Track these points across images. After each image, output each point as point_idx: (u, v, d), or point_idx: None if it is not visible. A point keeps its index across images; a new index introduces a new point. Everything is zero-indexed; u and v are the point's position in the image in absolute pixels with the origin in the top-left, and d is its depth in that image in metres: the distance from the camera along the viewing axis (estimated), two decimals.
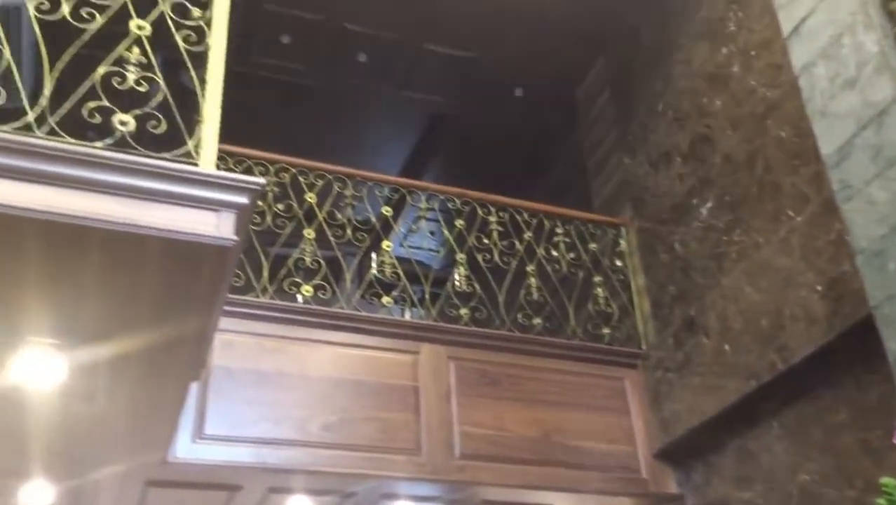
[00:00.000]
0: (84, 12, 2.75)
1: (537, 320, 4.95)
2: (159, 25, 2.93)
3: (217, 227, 2.57)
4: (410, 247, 5.25)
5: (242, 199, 2.62)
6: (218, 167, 2.79)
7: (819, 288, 3.87)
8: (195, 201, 2.57)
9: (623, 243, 5.45)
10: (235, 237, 2.59)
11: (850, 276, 3.62)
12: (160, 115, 2.70)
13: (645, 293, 5.26)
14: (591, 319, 5.15)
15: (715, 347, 4.55)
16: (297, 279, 4.42)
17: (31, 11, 2.68)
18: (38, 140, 2.43)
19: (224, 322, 3.74)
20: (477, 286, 4.90)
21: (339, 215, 4.76)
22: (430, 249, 5.91)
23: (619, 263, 5.39)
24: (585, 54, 6.17)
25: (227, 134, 2.91)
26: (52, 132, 2.54)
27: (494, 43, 6.04)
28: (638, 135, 5.61)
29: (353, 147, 6.76)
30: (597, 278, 5.29)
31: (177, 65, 2.95)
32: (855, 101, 3.52)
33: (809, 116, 3.87)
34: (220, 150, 2.89)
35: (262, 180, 2.65)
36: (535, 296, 5.04)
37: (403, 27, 5.90)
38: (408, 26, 5.89)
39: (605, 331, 5.13)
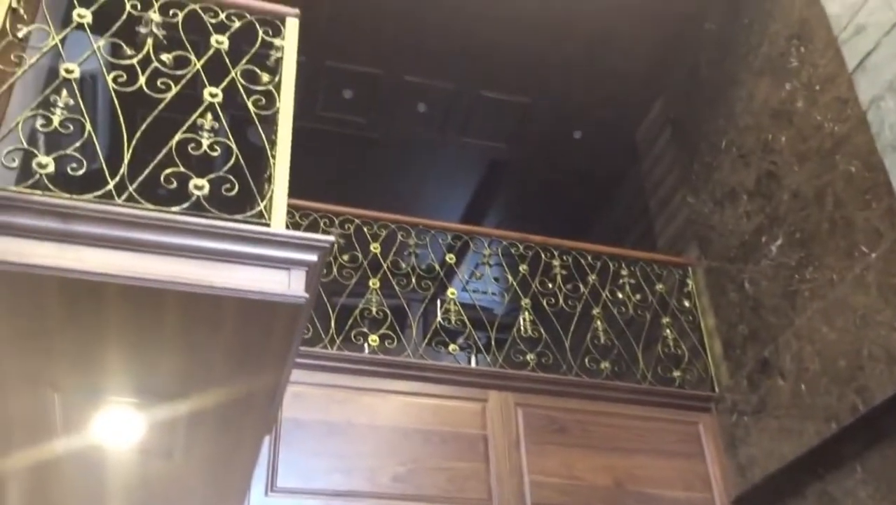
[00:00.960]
0: (160, 82, 2.87)
1: (605, 364, 4.89)
2: (229, 87, 3.04)
3: (288, 285, 2.63)
4: (475, 291, 5.25)
5: (312, 257, 2.67)
6: (286, 223, 2.86)
7: None
8: (267, 261, 2.64)
9: (690, 283, 5.36)
10: (306, 294, 2.64)
11: None
12: (232, 178, 2.78)
13: (716, 334, 5.15)
14: (661, 362, 5.06)
15: (791, 389, 4.42)
16: (363, 329, 4.47)
17: (110, 84, 2.80)
18: (120, 208, 2.53)
19: (293, 374, 3.79)
20: (542, 331, 4.87)
21: (403, 264, 4.81)
22: (494, 294, 5.92)
23: (687, 304, 5.30)
24: (644, 94, 6.16)
25: (291, 187, 2.97)
26: (130, 198, 2.64)
27: (550, 87, 6.08)
28: (701, 173, 5.55)
29: (415, 195, 6.85)
30: (665, 320, 5.21)
31: (244, 122, 3.05)
32: None
33: (880, 151, 3.80)
34: (287, 205, 2.96)
35: (331, 238, 2.71)
36: (602, 339, 4.98)
37: (460, 76, 5.99)
38: (464, 75, 5.98)
39: (676, 374, 5.03)
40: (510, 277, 5.10)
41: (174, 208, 2.64)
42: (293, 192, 2.95)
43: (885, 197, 3.83)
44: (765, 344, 4.66)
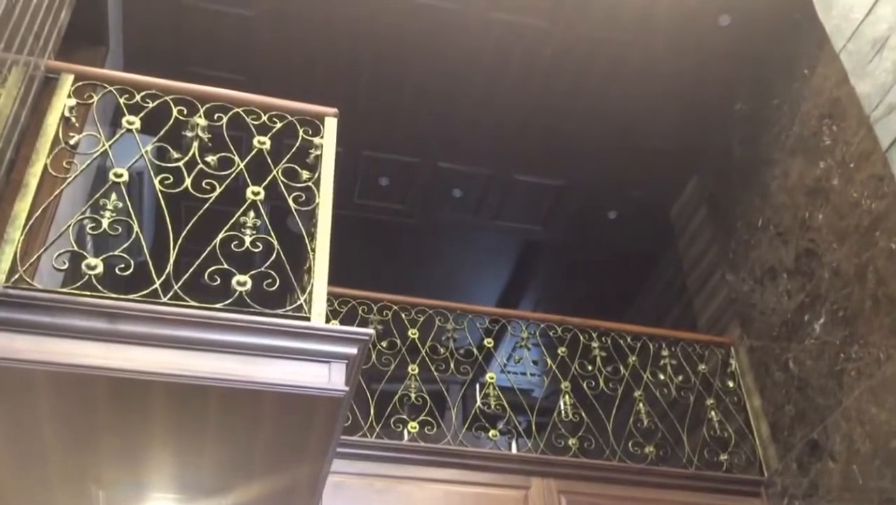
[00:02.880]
0: (204, 183, 2.98)
1: (649, 449, 4.79)
2: (268, 171, 3.13)
3: (328, 378, 2.66)
4: (512, 372, 5.23)
5: (352, 350, 2.71)
6: (326, 314, 2.90)
7: None
8: (308, 354, 2.68)
9: (734, 363, 5.28)
10: (346, 388, 2.67)
11: None
12: (273, 274, 2.85)
13: (762, 415, 5.04)
14: (707, 445, 4.94)
15: (843, 472, 4.28)
16: (402, 416, 4.46)
17: (157, 186, 2.92)
18: (165, 307, 2.60)
19: (333, 464, 3.78)
20: (584, 414, 4.81)
21: (441, 349, 4.82)
22: (534, 374, 5.88)
23: (731, 385, 5.20)
24: (677, 173, 6.20)
25: (330, 274, 3.02)
26: (175, 296, 2.71)
27: (584, 169, 6.16)
28: (739, 251, 5.52)
29: (452, 279, 6.91)
30: (709, 401, 5.11)
31: (284, 210, 3.13)
32: None
33: None
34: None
35: (370, 331, 2.74)
36: (645, 423, 4.90)
37: (494, 161, 6.10)
38: (498, 160, 6.09)
39: (723, 457, 4.91)
40: (549, 360, 5.08)
41: (217, 305, 2.71)
42: (331, 279, 3.00)
43: None
44: (813, 425, 4.54)
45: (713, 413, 5.06)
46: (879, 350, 4.12)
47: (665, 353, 5.23)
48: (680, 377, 5.16)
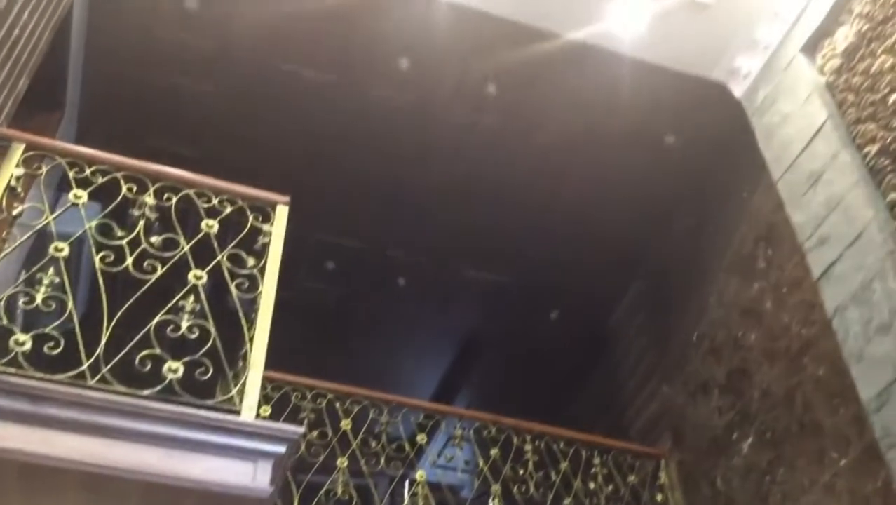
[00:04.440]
0: (146, 263, 2.93)
1: None
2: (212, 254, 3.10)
3: (253, 477, 2.58)
4: (443, 467, 5.15)
5: (280, 449, 2.64)
6: (259, 402, 2.84)
7: None
8: (234, 451, 2.60)
9: (663, 476, 5.29)
10: (271, 487, 2.59)
11: None
12: (207, 362, 2.79)
13: None
14: None
15: None
16: None
17: (97, 264, 2.86)
18: (92, 392, 2.52)
19: None
20: None
21: (373, 442, 4.73)
22: (465, 471, 5.80)
23: (659, 498, 5.20)
24: (620, 280, 6.33)
25: (266, 357, 2.97)
26: (103, 379, 2.63)
27: (529, 267, 6.25)
28: (674, 363, 5.61)
29: (390, 369, 6.85)
30: None
31: (225, 288, 3.09)
32: (890, 347, 3.53)
33: (845, 358, 3.88)
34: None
35: (300, 429, 2.69)
36: None
37: (441, 253, 6.16)
38: (446, 252, 6.15)
39: None
40: (480, 461, 5.02)
41: (145, 392, 2.63)
42: (267, 362, 2.94)
43: (852, 404, 3.87)
44: None
45: None
46: (804, 476, 4.19)
47: (597, 461, 5.22)
48: (610, 487, 5.14)
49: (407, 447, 4.86)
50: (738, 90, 5.01)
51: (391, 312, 6.56)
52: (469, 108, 5.28)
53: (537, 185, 5.71)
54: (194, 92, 5.10)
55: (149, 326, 2.80)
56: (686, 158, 5.55)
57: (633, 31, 4.78)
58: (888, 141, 3.83)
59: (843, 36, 4.28)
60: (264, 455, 2.61)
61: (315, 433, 4.59)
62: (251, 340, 2.95)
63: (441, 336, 6.89)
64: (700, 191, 5.66)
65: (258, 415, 2.88)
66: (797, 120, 4.45)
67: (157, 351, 2.74)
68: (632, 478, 5.22)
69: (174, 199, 3.16)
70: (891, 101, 3.86)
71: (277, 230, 3.26)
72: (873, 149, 3.92)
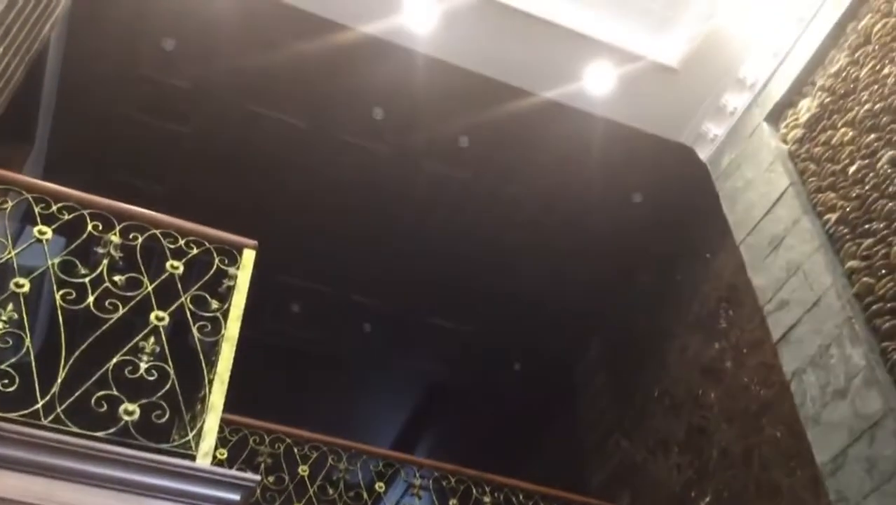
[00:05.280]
0: (107, 302, 2.90)
1: None
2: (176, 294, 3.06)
3: None
4: None
5: (235, 497, 2.60)
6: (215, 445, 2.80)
7: None
8: (188, 497, 2.55)
9: None
10: None
11: None
12: (164, 404, 2.75)
13: None
14: None
15: None
16: None
17: (58, 301, 2.83)
18: (44, 432, 2.47)
19: None
20: None
21: (330, 489, 4.67)
22: None
23: None
24: (583, 334, 6.38)
25: (228, 399, 2.93)
26: (57, 419, 2.58)
27: (495, 319, 6.27)
28: (635, 418, 5.64)
29: (352, 415, 6.81)
30: None
31: (185, 327, 3.05)
32: (846, 412, 3.59)
33: (802, 421, 3.93)
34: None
35: (256, 478, 2.65)
36: None
37: (408, 301, 6.17)
38: (412, 300, 6.16)
39: None
40: None
41: (99, 434, 2.59)
42: (226, 404, 2.90)
43: (809, 466, 3.92)
44: None
45: None
46: None
47: None
48: None
49: (365, 495, 4.80)
50: (704, 153, 5.13)
51: (355, 358, 6.53)
52: (441, 160, 5.35)
53: (505, 239, 5.76)
54: (167, 130, 5.11)
55: (107, 366, 2.76)
56: (652, 217, 5.65)
57: (604, 92, 4.89)
58: (847, 210, 3.94)
59: (806, 107, 4.42)
60: (219, 502, 2.57)
61: (272, 479, 4.52)
62: (210, 382, 2.91)
63: (404, 383, 6.87)
64: (665, 249, 5.75)
65: (214, 459, 2.84)
66: (760, 186, 4.56)
67: (114, 392, 2.70)
68: None
69: (140, 239, 3.14)
70: (850, 171, 3.98)
71: (243, 274, 3.23)
72: (833, 217, 4.03)
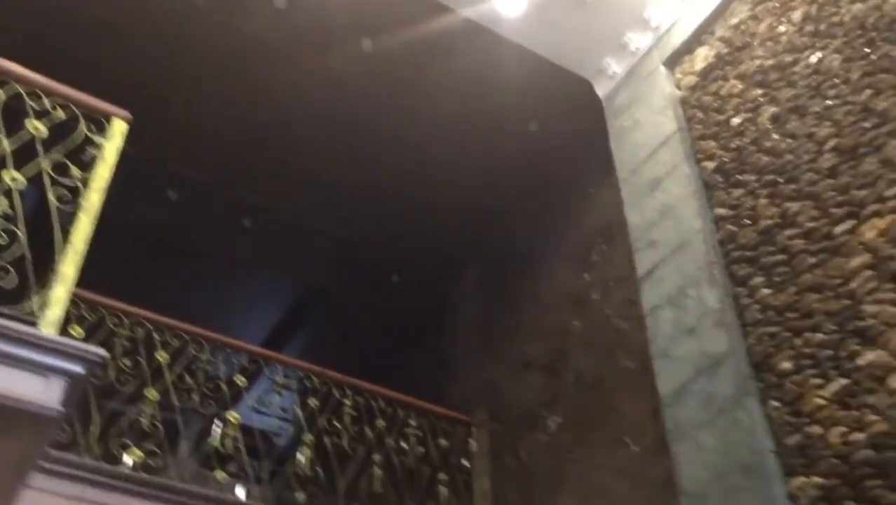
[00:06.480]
0: None
1: None
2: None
3: (44, 393, 2.45)
4: (260, 412, 5.11)
5: (78, 369, 2.52)
6: (68, 315, 2.70)
7: None
8: (26, 364, 2.46)
9: (473, 444, 5.47)
10: (61, 408, 2.47)
11: None
12: (10, 268, 2.62)
13: (487, 498, 5.25)
14: None
15: None
16: (128, 441, 4.19)
17: None
18: None
19: (37, 480, 3.49)
20: (320, 470, 4.77)
21: (188, 379, 4.61)
22: (286, 420, 5.77)
23: (466, 464, 5.38)
24: (464, 254, 6.45)
25: (90, 278, 2.83)
26: None
27: (377, 229, 6.25)
28: (501, 339, 5.80)
29: (221, 310, 6.68)
30: (442, 476, 5.24)
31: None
32: (693, 350, 3.78)
33: (652, 354, 4.13)
34: (74, 295, 2.80)
35: (103, 353, 2.58)
36: (378, 487, 4.93)
37: (291, 200, 6.04)
38: (295, 199, 6.04)
39: None
40: (299, 410, 5.01)
41: None
42: (88, 283, 2.80)
43: (652, 397, 4.12)
44: None
45: (443, 488, 5.19)
46: (600, 457, 4.45)
47: (413, 423, 5.32)
48: (421, 448, 5.26)
49: (224, 388, 4.77)
50: (601, 89, 5.18)
51: (231, 253, 6.39)
52: (341, 61, 5.18)
53: (397, 150, 5.70)
54: None
55: None
56: (545, 147, 5.70)
57: (515, 15, 4.84)
58: (725, 160, 4.08)
59: (703, 56, 4.51)
60: (58, 372, 2.49)
61: (128, 361, 4.42)
62: (63, 252, 2.79)
63: (280, 284, 6.80)
64: (552, 181, 5.83)
65: (65, 332, 2.74)
66: (649, 128, 4.66)
67: None
68: (443, 442, 5.36)
69: (3, 95, 2.92)
70: (733, 123, 4.11)
71: (111, 145, 3.07)
72: (710, 165, 4.16)
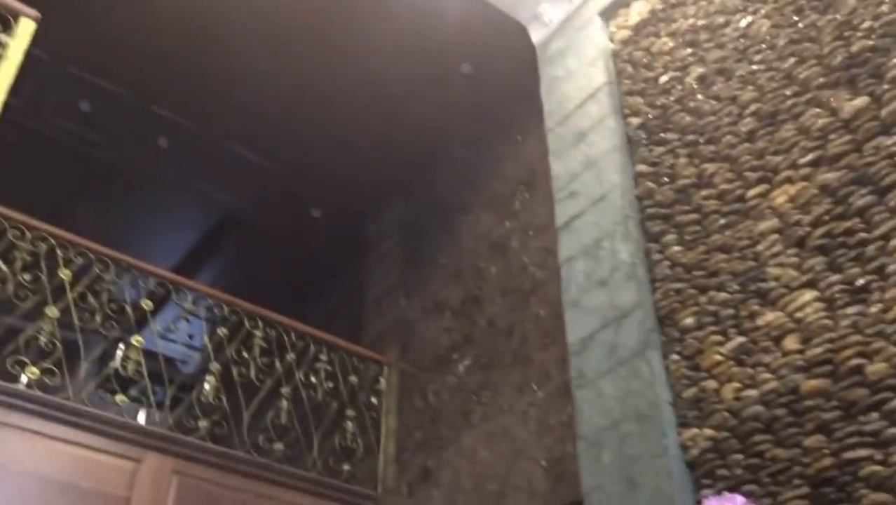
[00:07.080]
0: None
1: (279, 445, 4.82)
2: None
3: None
4: (166, 338, 5.01)
5: None
6: None
7: (544, 464, 4.09)
8: None
9: (383, 382, 5.51)
10: None
11: (571, 459, 3.85)
12: None
13: (393, 436, 5.31)
14: (335, 454, 5.08)
15: (444, 502, 4.64)
16: (24, 358, 4.05)
17: None
18: None
19: None
20: (224, 400, 4.72)
21: (91, 299, 4.46)
22: (193, 348, 5.68)
23: (374, 401, 5.42)
24: (386, 193, 6.40)
25: None
26: None
27: (299, 158, 6.12)
28: (417, 281, 5.81)
29: (132, 231, 6.46)
30: (350, 412, 5.27)
31: None
32: (603, 301, 3.85)
33: (564, 303, 4.20)
34: None
35: None
36: (284, 420, 4.93)
37: (210, 121, 5.84)
38: (215, 121, 5.84)
39: (346, 467, 5.08)
40: (206, 338, 4.93)
41: None
42: None
43: (560, 345, 4.22)
44: (432, 454, 4.88)
45: (350, 424, 5.22)
46: (505, 401, 4.54)
47: (324, 358, 5.31)
48: (330, 384, 5.27)
49: (129, 311, 4.64)
50: (536, 36, 5.14)
51: (146, 172, 6.15)
52: None
53: (323, 81, 5.56)
54: None
55: None
56: (476, 91, 5.64)
57: None
58: (650, 117, 4.12)
59: (638, 10, 4.50)
60: None
61: (28, 275, 4.24)
62: None
63: (196, 208, 6.61)
64: (481, 126, 5.80)
65: None
66: (579, 79, 4.65)
67: None
68: (353, 378, 5.38)
69: None
70: (661, 80, 4.14)
71: (16, 43, 2.89)
72: (635, 121, 4.20)
